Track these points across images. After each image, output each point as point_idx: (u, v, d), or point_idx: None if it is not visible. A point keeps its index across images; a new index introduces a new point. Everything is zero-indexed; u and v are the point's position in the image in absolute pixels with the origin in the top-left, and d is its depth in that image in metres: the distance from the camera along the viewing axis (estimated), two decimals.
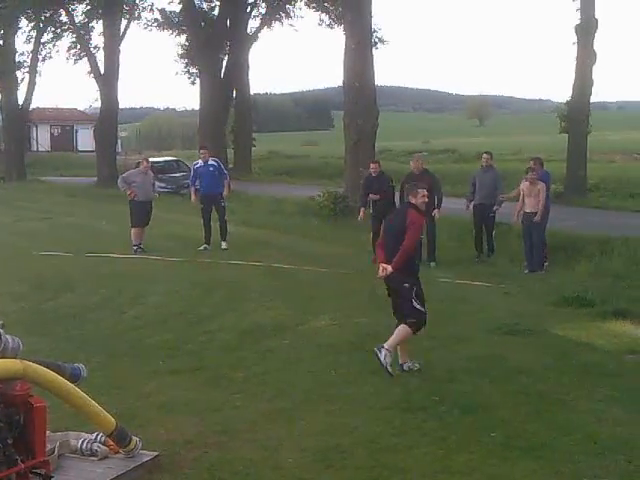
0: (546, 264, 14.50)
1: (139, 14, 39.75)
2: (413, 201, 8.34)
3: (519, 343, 9.12)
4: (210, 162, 17.08)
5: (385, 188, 15.41)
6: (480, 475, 5.63)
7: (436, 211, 14.94)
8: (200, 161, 17.28)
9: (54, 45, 41.25)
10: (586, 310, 11.08)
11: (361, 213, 15.93)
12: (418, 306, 8.12)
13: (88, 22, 38.76)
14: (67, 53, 39.96)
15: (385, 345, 7.94)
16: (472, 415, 6.73)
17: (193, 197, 17.30)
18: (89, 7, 38.16)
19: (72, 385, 5.42)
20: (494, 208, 15.51)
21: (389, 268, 8.07)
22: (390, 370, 7.87)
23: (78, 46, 39.26)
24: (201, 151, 17.71)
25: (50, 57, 41.60)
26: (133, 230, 16.96)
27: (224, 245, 16.85)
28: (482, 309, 11.13)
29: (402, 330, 8.05)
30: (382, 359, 7.88)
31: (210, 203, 16.90)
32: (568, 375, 7.92)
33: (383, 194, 15.32)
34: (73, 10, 38.81)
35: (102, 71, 37.05)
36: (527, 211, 14.44)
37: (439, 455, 5.95)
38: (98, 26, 38.34)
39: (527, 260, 14.61)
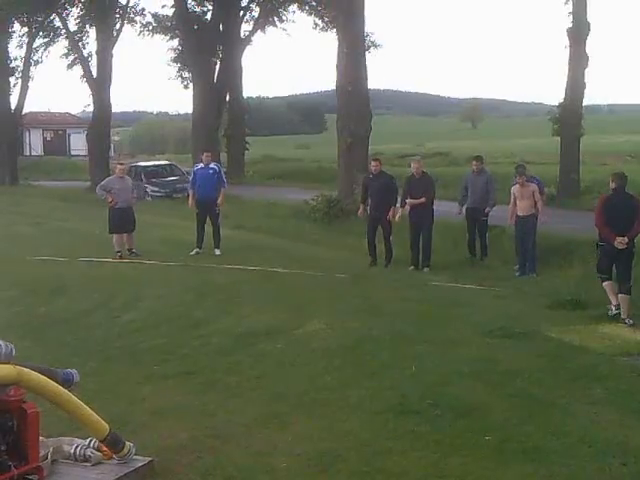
0: (535, 267, 14.49)
1: (132, 18, 39.77)
2: (632, 193, 11.32)
3: (513, 346, 9.12)
4: (211, 165, 17.03)
5: (385, 187, 15.30)
6: (474, 478, 5.62)
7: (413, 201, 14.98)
8: (201, 163, 17.25)
9: (46, 49, 41.28)
10: (580, 313, 11.11)
11: (360, 209, 15.84)
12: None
13: (82, 27, 38.72)
14: (61, 57, 39.96)
15: (623, 316, 10.57)
16: (466, 418, 6.72)
17: (190, 201, 17.19)
18: (82, 12, 38.13)
19: (65, 390, 5.39)
20: (486, 211, 15.53)
21: (625, 239, 10.71)
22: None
23: (71, 51, 39.20)
24: (205, 154, 17.48)
25: (42, 61, 41.62)
26: (114, 237, 16.85)
27: (217, 252, 16.73)
28: (476, 312, 11.13)
29: (625, 299, 10.74)
30: (630, 324, 10.44)
31: (205, 208, 16.81)
32: (562, 378, 7.92)
33: (383, 194, 15.24)
34: (66, 15, 38.79)
35: (95, 75, 36.99)
36: (520, 214, 14.44)
37: (433, 459, 5.94)
38: (91, 31, 38.36)
39: (519, 263, 14.63)
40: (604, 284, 11.13)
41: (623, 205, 10.84)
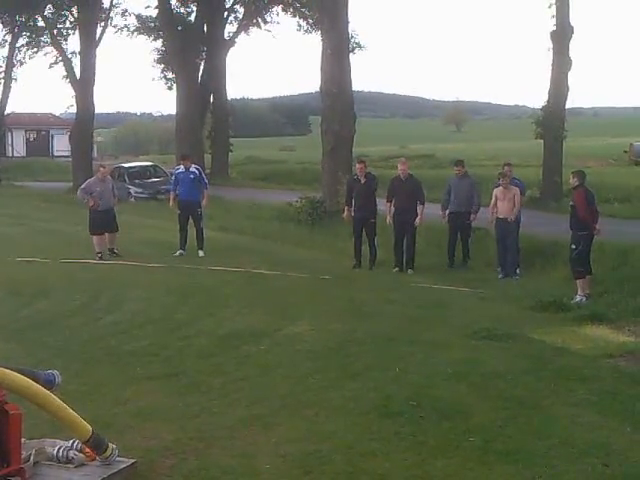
0: (518, 270, 14.53)
1: (115, 19, 39.67)
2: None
3: (496, 348, 9.15)
4: (192, 169, 17.06)
5: (371, 190, 15.33)
6: None
7: (418, 219, 14.97)
8: (181, 167, 17.25)
9: (29, 50, 41.09)
10: (562, 315, 11.17)
11: (346, 211, 15.87)
12: None
13: (59, 21, 38.47)
14: (44, 55, 39.86)
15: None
16: (450, 420, 6.74)
17: (171, 202, 17.33)
18: (64, 11, 37.91)
19: (48, 392, 5.37)
20: (472, 217, 15.50)
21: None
22: None
23: (53, 51, 39.05)
24: (182, 162, 17.45)
25: (24, 62, 41.44)
26: (94, 238, 16.79)
27: (201, 254, 16.73)
28: (459, 314, 11.17)
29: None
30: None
31: (187, 210, 16.88)
32: (545, 380, 7.96)
33: (368, 196, 15.28)
34: (49, 15, 38.55)
35: (78, 76, 36.80)
36: (500, 217, 14.48)
37: (417, 460, 5.95)
38: (74, 31, 38.15)
39: (501, 265, 14.67)
40: (584, 279, 12.17)
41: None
